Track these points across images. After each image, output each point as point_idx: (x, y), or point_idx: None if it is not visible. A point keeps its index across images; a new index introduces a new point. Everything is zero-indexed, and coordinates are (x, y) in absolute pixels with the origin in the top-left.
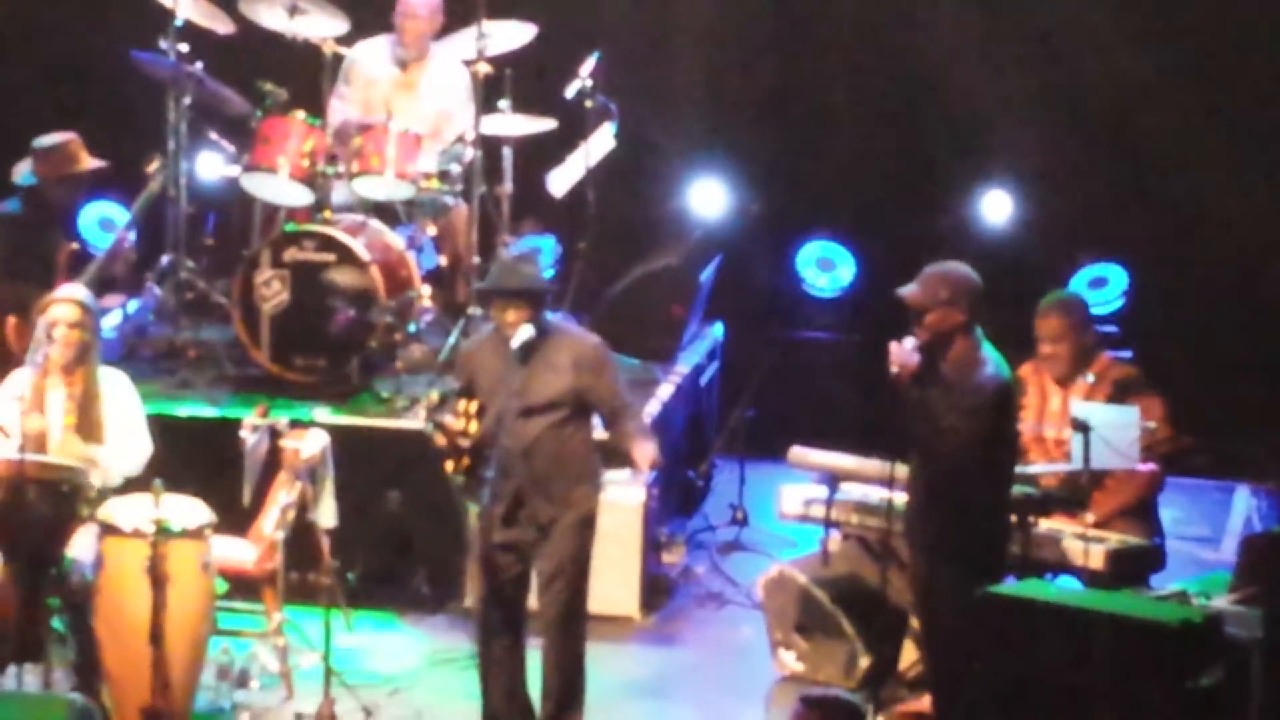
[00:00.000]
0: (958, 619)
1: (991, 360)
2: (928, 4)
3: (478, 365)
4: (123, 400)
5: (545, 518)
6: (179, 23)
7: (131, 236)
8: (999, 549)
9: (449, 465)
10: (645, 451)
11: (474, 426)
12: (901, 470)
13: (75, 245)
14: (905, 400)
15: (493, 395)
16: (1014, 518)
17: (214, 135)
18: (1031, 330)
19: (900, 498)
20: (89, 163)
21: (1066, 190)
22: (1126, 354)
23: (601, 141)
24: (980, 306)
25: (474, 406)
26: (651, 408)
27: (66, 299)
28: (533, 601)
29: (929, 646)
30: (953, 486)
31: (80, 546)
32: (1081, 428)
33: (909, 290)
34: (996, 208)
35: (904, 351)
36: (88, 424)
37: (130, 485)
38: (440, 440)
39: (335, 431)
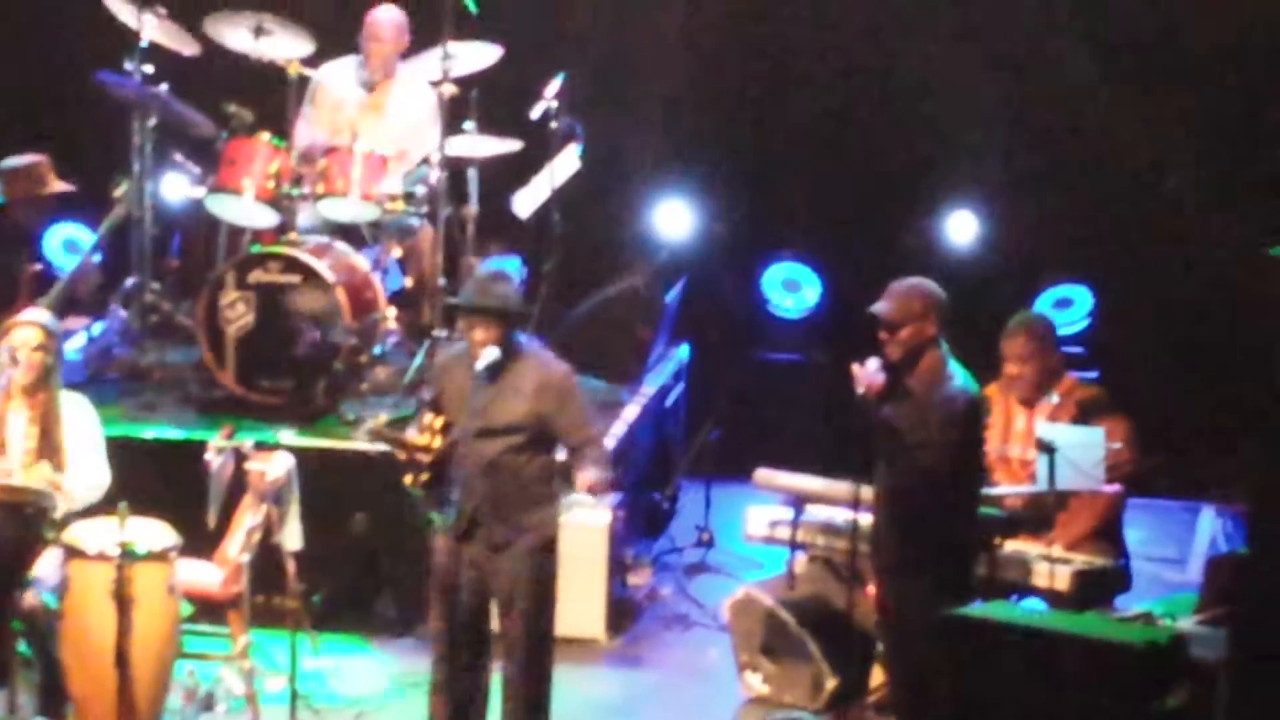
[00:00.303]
0: (923, 640)
1: (960, 373)
2: (894, 27)
3: (448, 379)
4: (84, 426)
5: (500, 539)
6: (144, 44)
7: (96, 259)
8: (965, 568)
9: (407, 479)
10: (586, 476)
11: (437, 441)
12: (866, 492)
13: (39, 267)
14: (872, 420)
15: (458, 412)
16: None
17: (179, 157)
18: (997, 351)
19: (866, 519)
20: (56, 185)
21: (1032, 211)
22: (1092, 375)
23: (567, 163)
24: (948, 320)
25: (439, 422)
26: (617, 429)
27: (29, 322)
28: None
29: (893, 668)
30: (920, 504)
31: (44, 569)
32: (1046, 449)
33: (882, 307)
34: (962, 228)
35: (868, 371)
36: (49, 447)
37: (95, 508)
38: (399, 454)
39: (301, 454)
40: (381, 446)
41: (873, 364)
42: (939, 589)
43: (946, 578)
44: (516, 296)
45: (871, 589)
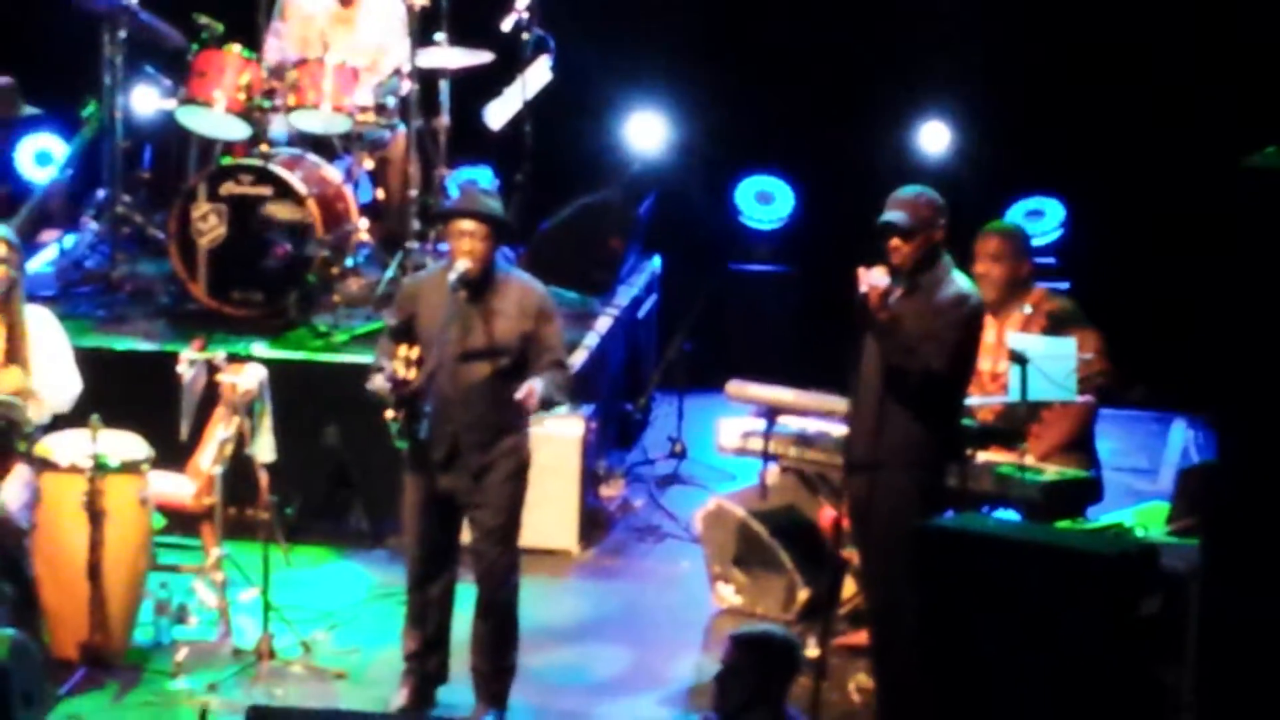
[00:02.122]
0: (895, 540)
1: (963, 278)
2: None
3: (422, 303)
4: (50, 337)
5: (477, 465)
6: None
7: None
8: (942, 472)
9: (389, 414)
10: (529, 384)
11: (414, 374)
12: (839, 403)
13: (6, 187)
14: (872, 322)
15: (433, 335)
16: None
17: (149, 69)
18: (968, 263)
19: (839, 429)
20: (23, 109)
21: (1004, 122)
22: (1063, 286)
23: (539, 75)
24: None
25: (415, 353)
26: (589, 341)
27: None
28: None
29: (866, 574)
30: (916, 400)
31: (15, 482)
32: (1019, 360)
33: (898, 215)
34: (934, 139)
35: (873, 274)
36: (16, 361)
37: (67, 420)
38: (380, 388)
39: (273, 366)
40: (354, 358)
41: (878, 269)
42: (917, 488)
43: (925, 478)
44: (503, 211)
45: (828, 512)
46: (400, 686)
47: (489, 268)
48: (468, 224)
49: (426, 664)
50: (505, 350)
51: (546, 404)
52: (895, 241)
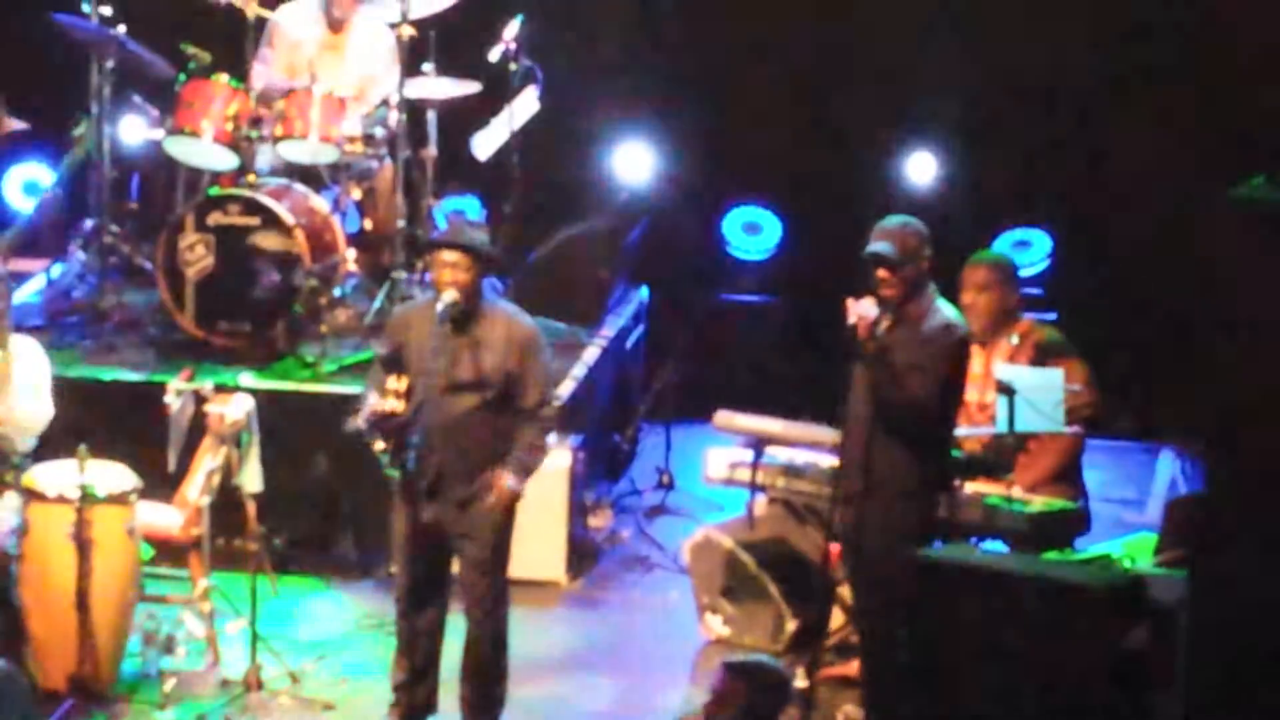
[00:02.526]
0: (885, 570)
1: (949, 308)
2: None
3: (410, 333)
4: (32, 366)
5: (462, 495)
6: None
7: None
8: (933, 503)
9: (378, 445)
10: (503, 482)
11: (402, 405)
12: (829, 434)
13: None
14: (861, 353)
15: (421, 366)
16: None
17: (137, 99)
18: (956, 294)
19: (828, 461)
20: (11, 124)
21: (991, 153)
22: (1050, 316)
23: (526, 105)
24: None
25: (403, 384)
26: (577, 371)
27: None
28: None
29: (857, 605)
30: (903, 431)
31: (4, 509)
32: (1006, 390)
33: (884, 246)
34: (922, 170)
35: (861, 304)
36: (2, 391)
37: (54, 450)
38: (357, 427)
39: (260, 396)
40: (342, 389)
41: (867, 300)
42: (906, 518)
43: (915, 508)
44: (490, 243)
45: (835, 547)
46: (388, 717)
47: (475, 299)
48: (451, 255)
49: (415, 694)
50: (490, 383)
51: (512, 495)
52: (883, 273)
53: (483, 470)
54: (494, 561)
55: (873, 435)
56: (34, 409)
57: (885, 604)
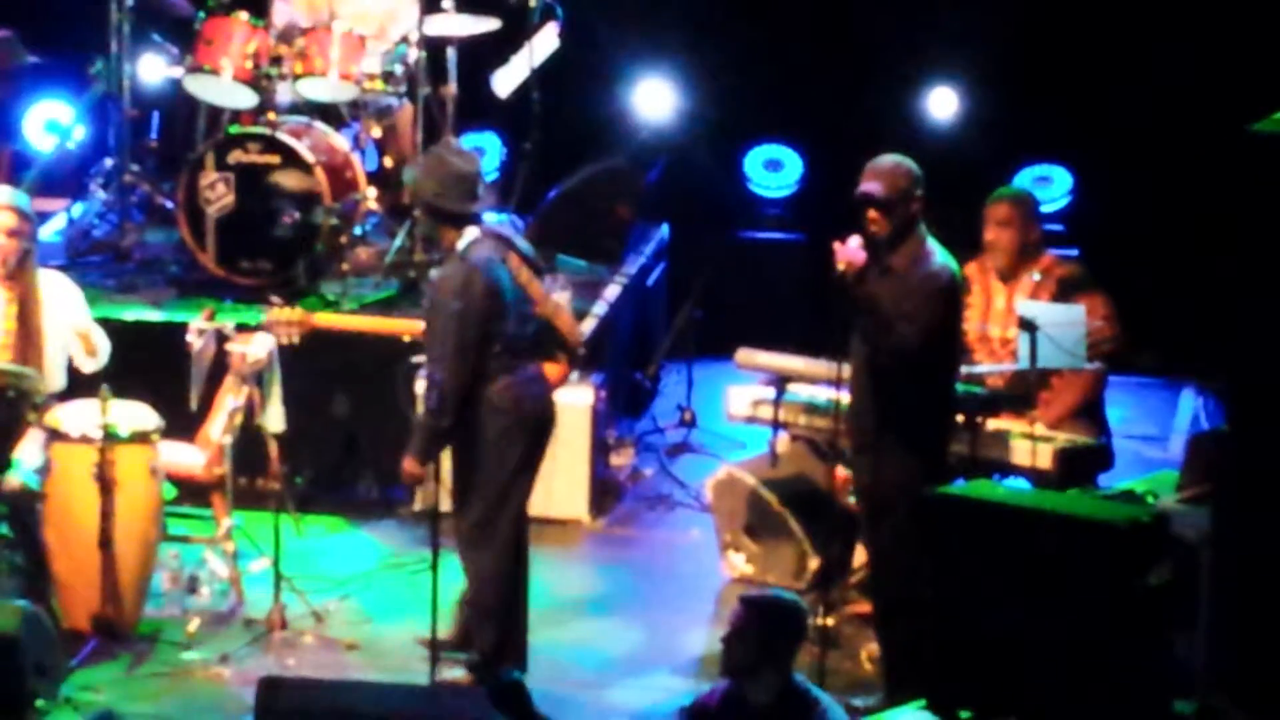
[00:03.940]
0: (896, 520)
1: (940, 250)
2: None
3: None
4: (72, 303)
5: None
6: None
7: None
8: (939, 448)
9: None
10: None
11: None
12: (846, 370)
13: (14, 148)
14: (852, 297)
15: None
16: (961, 417)
17: (156, 37)
18: (977, 228)
19: (846, 397)
20: (26, 59)
21: (1012, 88)
22: (1072, 253)
23: (546, 42)
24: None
25: None
26: (598, 309)
27: (4, 206)
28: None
29: (868, 547)
30: (896, 381)
31: (27, 452)
32: (1028, 326)
33: (874, 186)
34: (942, 105)
35: (849, 249)
36: (29, 330)
37: (77, 390)
38: None
39: None
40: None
41: (854, 241)
42: (912, 467)
43: (919, 457)
44: (451, 191)
45: (841, 470)
46: None
47: (444, 248)
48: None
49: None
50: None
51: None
52: (872, 213)
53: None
54: (476, 500)
55: (871, 382)
56: (98, 345)
57: (892, 547)
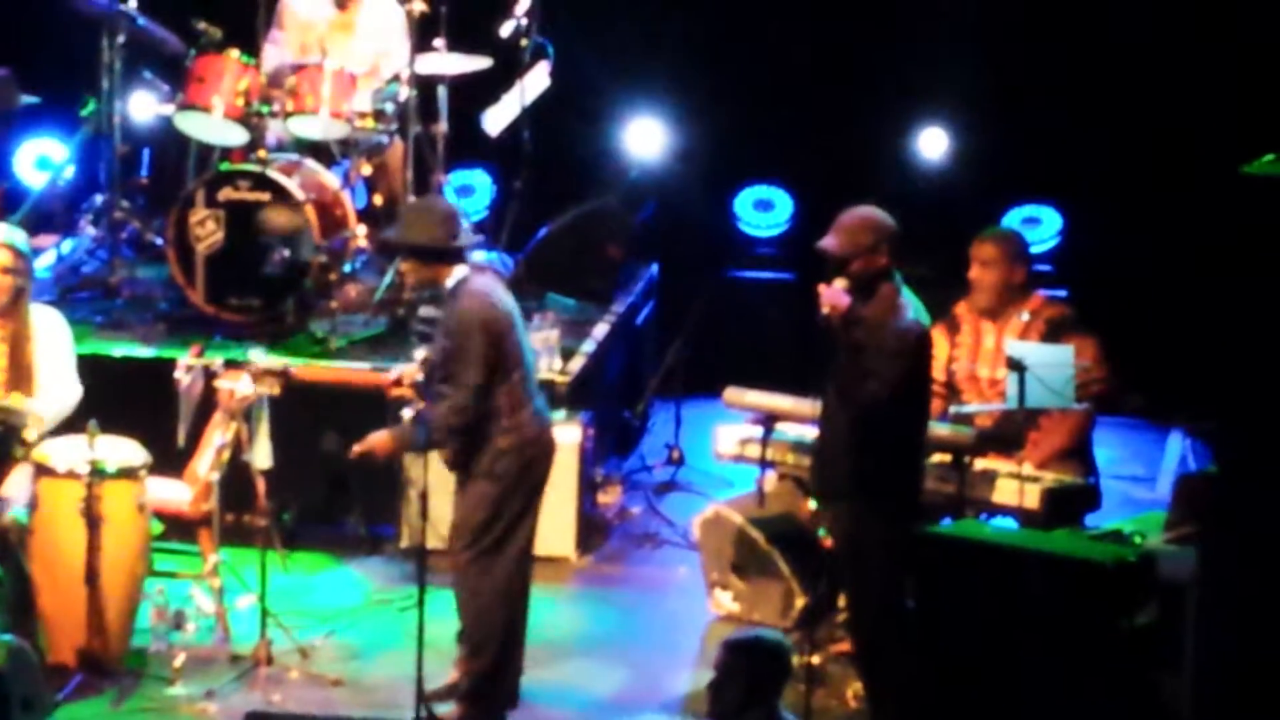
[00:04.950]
0: (876, 565)
1: (911, 305)
2: None
3: None
4: (56, 342)
5: (461, 475)
6: None
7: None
8: (905, 497)
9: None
10: (371, 440)
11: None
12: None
13: (5, 185)
14: (836, 341)
15: None
16: (949, 457)
17: (148, 74)
18: (964, 268)
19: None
20: (21, 100)
21: (1002, 129)
22: (1060, 293)
23: (537, 80)
24: (899, 249)
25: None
26: (587, 347)
27: (0, 244)
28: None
29: (848, 591)
30: (862, 432)
31: (14, 487)
32: (1017, 366)
33: (829, 242)
34: (933, 145)
35: (834, 293)
36: (18, 369)
37: (65, 426)
38: None
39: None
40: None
41: (839, 284)
42: (886, 513)
43: (893, 502)
44: (439, 230)
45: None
46: None
47: (442, 286)
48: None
49: None
50: (439, 370)
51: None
52: (832, 269)
53: (461, 454)
54: (466, 535)
55: (843, 425)
56: (63, 393)
57: (866, 586)
